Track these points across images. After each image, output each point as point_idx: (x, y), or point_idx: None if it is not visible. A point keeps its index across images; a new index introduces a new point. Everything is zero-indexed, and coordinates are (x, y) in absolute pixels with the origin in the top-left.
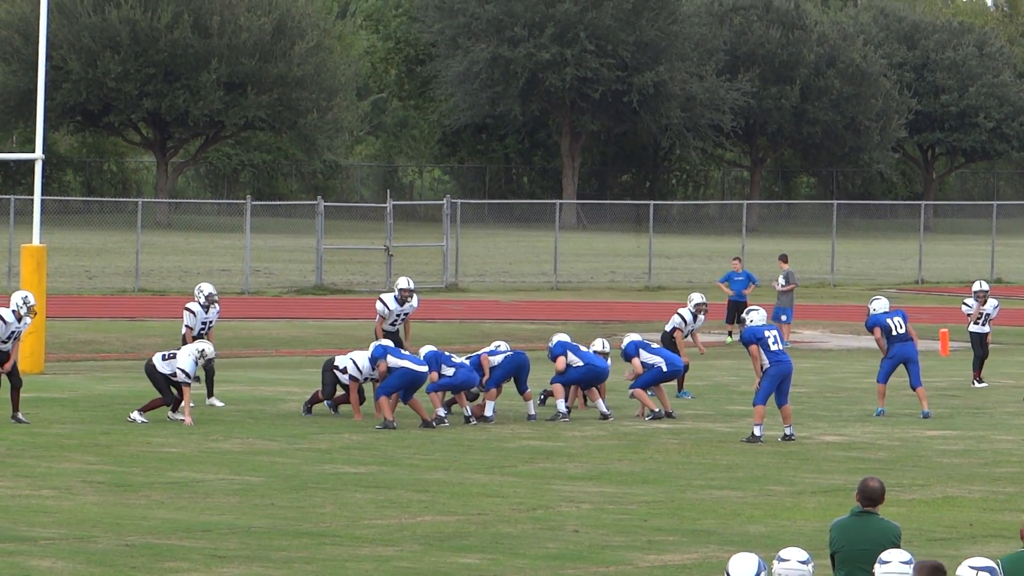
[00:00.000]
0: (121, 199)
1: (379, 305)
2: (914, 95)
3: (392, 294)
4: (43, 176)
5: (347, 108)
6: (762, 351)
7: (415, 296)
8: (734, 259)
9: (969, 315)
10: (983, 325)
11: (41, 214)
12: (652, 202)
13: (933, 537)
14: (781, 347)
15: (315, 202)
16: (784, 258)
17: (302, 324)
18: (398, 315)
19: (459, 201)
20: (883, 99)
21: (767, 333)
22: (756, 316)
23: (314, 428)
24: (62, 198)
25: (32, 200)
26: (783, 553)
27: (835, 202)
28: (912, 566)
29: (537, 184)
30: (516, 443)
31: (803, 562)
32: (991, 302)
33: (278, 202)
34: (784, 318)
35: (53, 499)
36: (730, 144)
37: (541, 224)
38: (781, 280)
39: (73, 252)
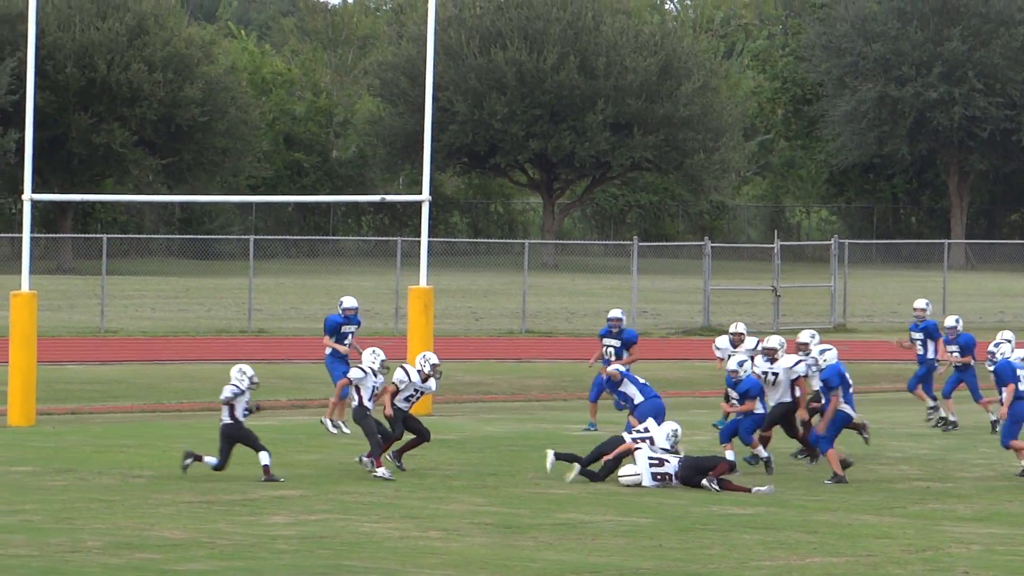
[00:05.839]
0: (508, 240)
1: (398, 372)
2: None
3: (416, 368)
4: (430, 218)
5: (734, 148)
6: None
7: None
8: None
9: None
10: None
11: (428, 255)
12: None
13: None
14: None
15: (702, 243)
16: None
17: (688, 365)
18: (416, 390)
19: (847, 241)
20: None
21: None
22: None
23: None
24: (449, 240)
25: (419, 242)
26: None
27: None
28: None
29: (925, 224)
30: (905, 484)
31: None
32: None
33: (665, 243)
34: None
35: (440, 540)
36: None
37: (929, 264)
38: None
39: (460, 293)
